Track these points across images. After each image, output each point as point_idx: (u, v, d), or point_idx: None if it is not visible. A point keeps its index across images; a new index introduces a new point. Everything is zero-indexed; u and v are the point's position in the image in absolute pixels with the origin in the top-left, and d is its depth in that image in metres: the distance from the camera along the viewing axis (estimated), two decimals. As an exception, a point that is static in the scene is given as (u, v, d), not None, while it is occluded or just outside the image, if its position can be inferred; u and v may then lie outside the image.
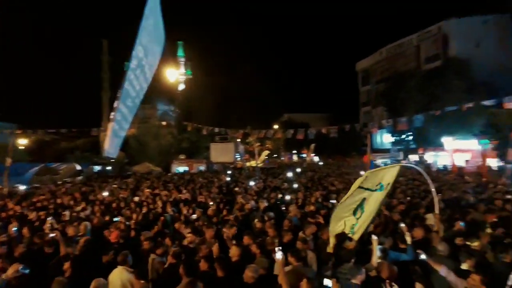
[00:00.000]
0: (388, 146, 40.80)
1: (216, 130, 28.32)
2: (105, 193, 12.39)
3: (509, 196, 9.91)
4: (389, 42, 43.39)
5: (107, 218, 8.37)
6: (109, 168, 35.47)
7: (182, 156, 35.68)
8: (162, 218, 8.08)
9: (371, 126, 23.71)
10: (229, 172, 23.48)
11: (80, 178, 23.55)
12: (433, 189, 5.73)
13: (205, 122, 30.70)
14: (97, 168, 33.32)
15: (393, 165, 5.39)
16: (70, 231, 6.42)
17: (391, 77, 35.57)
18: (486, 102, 15.30)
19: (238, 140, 35.38)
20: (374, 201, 4.92)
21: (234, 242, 5.39)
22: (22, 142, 40.76)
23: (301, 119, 61.24)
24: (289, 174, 19.82)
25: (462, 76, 29.25)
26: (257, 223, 7.13)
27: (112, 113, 7.62)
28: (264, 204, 9.89)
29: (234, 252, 4.78)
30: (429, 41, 37.64)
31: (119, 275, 4.19)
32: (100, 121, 79.09)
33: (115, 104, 7.63)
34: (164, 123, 41.43)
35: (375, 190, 4.83)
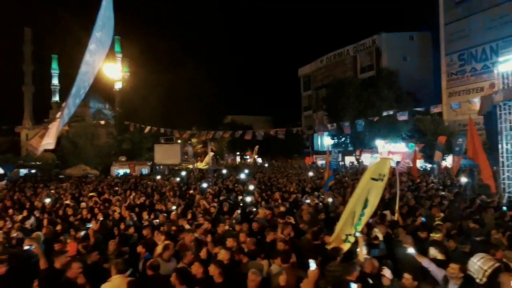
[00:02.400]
0: (328, 148, 43.44)
1: (162, 130, 27.24)
2: (47, 200, 11.11)
3: (442, 193, 11.32)
4: (329, 51, 46.33)
5: (58, 227, 7.54)
6: (33, 171, 31.92)
7: (122, 158, 33.50)
8: (122, 224, 7.58)
9: (317, 129, 25.04)
10: (183, 174, 22.72)
11: (3, 182, 20.74)
12: (398, 189, 6.29)
13: (148, 122, 29.30)
14: (23, 171, 29.66)
15: (386, 158, 5.72)
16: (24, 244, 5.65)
17: (331, 84, 37.93)
18: (417, 109, 17.31)
19: (180, 141, 34.41)
20: (376, 191, 4.90)
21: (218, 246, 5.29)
22: None
23: (243, 121, 61.90)
24: (242, 176, 19.91)
25: (391, 86, 32.52)
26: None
27: (61, 112, 7.02)
28: (226, 206, 9.86)
29: (224, 255, 4.70)
30: (364, 52, 41.11)
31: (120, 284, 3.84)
32: (21, 118, 70.72)
33: (67, 100, 7.02)
34: (102, 122, 38.52)
35: (378, 180, 4.83)
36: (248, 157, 54.30)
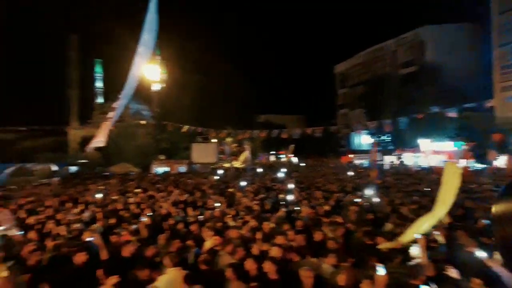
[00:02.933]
0: (366, 147, 42.09)
1: (199, 130, 27.84)
2: (98, 195, 11.72)
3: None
4: (366, 46, 44.86)
5: (111, 221, 7.90)
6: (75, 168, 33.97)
7: (162, 157, 34.71)
8: (171, 220, 7.79)
9: (355, 127, 24.40)
10: (220, 172, 23.07)
11: (55, 179, 22.24)
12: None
13: (185, 122, 30.09)
14: (72, 168, 31.68)
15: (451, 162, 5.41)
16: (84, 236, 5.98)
17: (369, 81, 36.72)
18: (467, 105, 16.12)
19: (215, 140, 34.97)
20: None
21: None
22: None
23: (277, 120, 61.71)
24: (280, 175, 19.79)
25: (435, 81, 30.81)
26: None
27: (112, 113, 7.29)
28: (268, 204, 9.82)
29: (276, 253, 4.65)
30: (405, 46, 39.28)
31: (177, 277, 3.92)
32: (68, 119, 75.50)
33: (120, 102, 7.28)
34: (143, 122, 40.16)
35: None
36: (282, 156, 54.07)
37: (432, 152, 25.68)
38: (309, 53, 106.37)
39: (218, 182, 18.27)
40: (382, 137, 34.19)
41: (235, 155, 39.36)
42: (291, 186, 14.29)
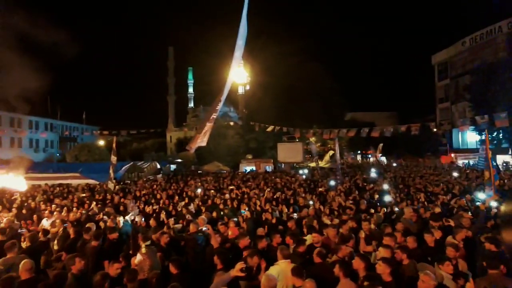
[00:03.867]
0: (471, 146, 36.94)
1: (285, 129, 28.09)
2: (198, 190, 12.85)
3: None
4: (472, 31, 39.19)
5: (213, 214, 8.55)
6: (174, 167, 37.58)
7: (249, 156, 36.19)
8: (268, 215, 8.04)
9: (460, 123, 21.52)
10: (305, 171, 23.07)
11: (160, 176, 25.04)
12: None
13: (270, 122, 30.67)
14: (173, 167, 35.37)
15: None
16: (192, 227, 6.55)
17: (478, 69, 31.99)
18: None
19: (297, 140, 34.74)
20: None
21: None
22: (101, 142, 45.08)
23: (364, 117, 58.52)
24: (373, 175, 18.78)
25: None
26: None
27: (214, 114, 7.76)
28: (364, 204, 9.40)
29: (384, 254, 4.41)
30: (523, 27, 33.12)
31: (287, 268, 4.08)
32: (167, 123, 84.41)
33: (218, 105, 7.71)
34: (232, 123, 42.52)
35: None
36: (370, 155, 51.07)
37: None
38: (400, 43, 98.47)
39: (307, 181, 18.23)
40: (494, 134, 29.47)
41: (321, 154, 38.70)
42: (386, 186, 13.46)
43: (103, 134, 32.63)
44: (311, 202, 9.66)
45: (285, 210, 8.95)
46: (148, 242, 4.82)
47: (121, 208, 9.52)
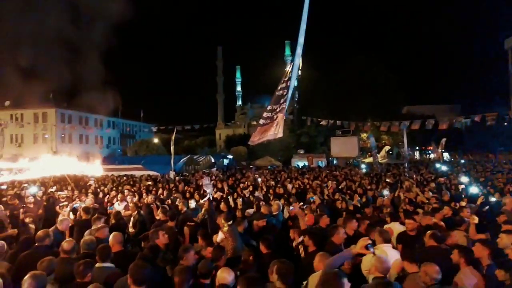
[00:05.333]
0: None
1: (338, 123, 27.00)
2: (259, 180, 12.68)
3: None
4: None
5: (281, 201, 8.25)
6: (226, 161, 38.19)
7: (301, 151, 35.56)
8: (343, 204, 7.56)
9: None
10: (362, 166, 21.95)
11: (214, 169, 25.53)
12: None
13: (323, 116, 29.72)
14: (225, 161, 36.04)
15: None
16: (264, 210, 6.37)
17: None
18: None
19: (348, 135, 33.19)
20: None
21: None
22: (155, 140, 47.34)
23: (423, 111, 54.55)
24: (444, 168, 17.24)
25: None
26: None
27: (284, 104, 7.40)
28: (447, 196, 8.48)
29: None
30: None
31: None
32: (216, 120, 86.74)
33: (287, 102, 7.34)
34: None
35: None
36: (431, 151, 47.47)
37: None
38: (463, 29, 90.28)
39: (369, 175, 17.26)
40: None
41: (377, 149, 36.77)
42: (464, 179, 12.16)
43: (160, 131, 34.53)
44: (385, 192, 8.93)
45: (357, 198, 8.38)
46: (230, 222, 4.65)
47: (187, 195, 9.77)
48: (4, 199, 8.90)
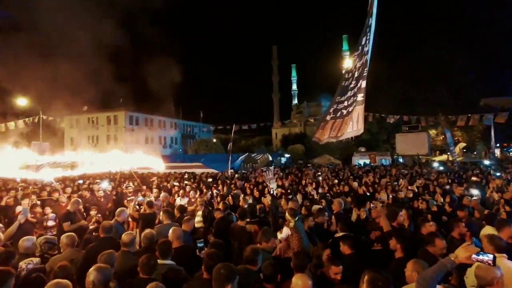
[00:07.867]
0: None
1: (405, 118, 24.80)
2: (319, 178, 11.97)
3: None
4: None
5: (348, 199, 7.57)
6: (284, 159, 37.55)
7: (362, 149, 33.61)
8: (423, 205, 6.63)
9: None
10: (435, 165, 19.81)
11: (272, 167, 25.20)
12: None
13: (386, 112, 27.56)
14: (283, 159, 35.60)
15: None
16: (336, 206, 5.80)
17: None
18: None
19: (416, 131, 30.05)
20: None
21: None
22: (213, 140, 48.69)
23: (503, 104, 47.89)
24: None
25: None
26: None
27: (361, 95, 6.64)
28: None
29: None
30: None
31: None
32: (271, 119, 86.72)
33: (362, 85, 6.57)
34: (339, 114, 40.45)
35: None
36: (512, 149, 41.76)
37: None
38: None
39: (447, 173, 15.42)
40: None
41: (451, 146, 33.24)
42: None
43: (218, 131, 35.45)
44: (475, 192, 7.66)
45: (440, 199, 7.28)
46: (297, 218, 4.21)
47: (248, 191, 9.62)
48: (80, 192, 9.55)
